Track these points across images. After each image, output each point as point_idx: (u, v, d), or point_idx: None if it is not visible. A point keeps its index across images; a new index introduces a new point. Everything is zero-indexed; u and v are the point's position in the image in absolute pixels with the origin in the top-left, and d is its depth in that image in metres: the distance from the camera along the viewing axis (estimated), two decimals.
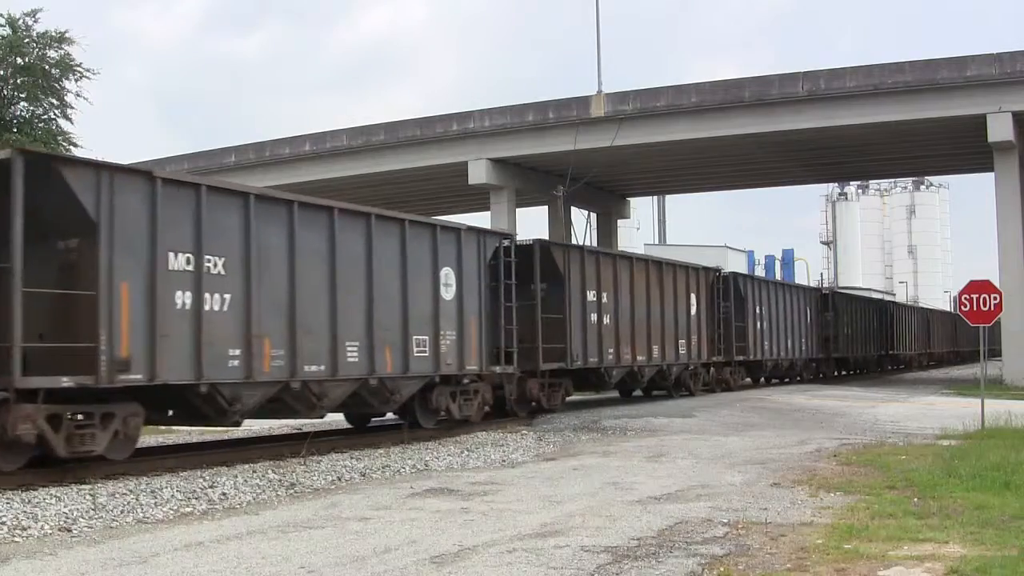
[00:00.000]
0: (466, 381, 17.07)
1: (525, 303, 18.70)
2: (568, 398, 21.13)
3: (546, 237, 31.00)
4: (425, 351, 15.68)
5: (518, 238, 19.31)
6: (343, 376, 13.96)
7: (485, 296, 17.32)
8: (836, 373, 41.26)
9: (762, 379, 32.70)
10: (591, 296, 20.86)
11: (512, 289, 17.94)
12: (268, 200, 13.22)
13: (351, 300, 14.12)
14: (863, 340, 44.08)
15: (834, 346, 38.90)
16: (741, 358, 28.96)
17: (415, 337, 15.43)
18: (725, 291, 28.32)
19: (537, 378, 19.07)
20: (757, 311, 30.34)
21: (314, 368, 13.45)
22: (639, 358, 22.64)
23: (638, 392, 26.05)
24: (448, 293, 16.31)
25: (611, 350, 21.44)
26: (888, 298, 76.09)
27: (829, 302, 39.23)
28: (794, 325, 33.89)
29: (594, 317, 20.89)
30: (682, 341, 24.83)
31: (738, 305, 28.86)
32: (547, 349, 19.25)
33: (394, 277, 15.09)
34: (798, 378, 34.87)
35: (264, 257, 12.80)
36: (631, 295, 22.43)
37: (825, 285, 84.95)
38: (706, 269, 27.49)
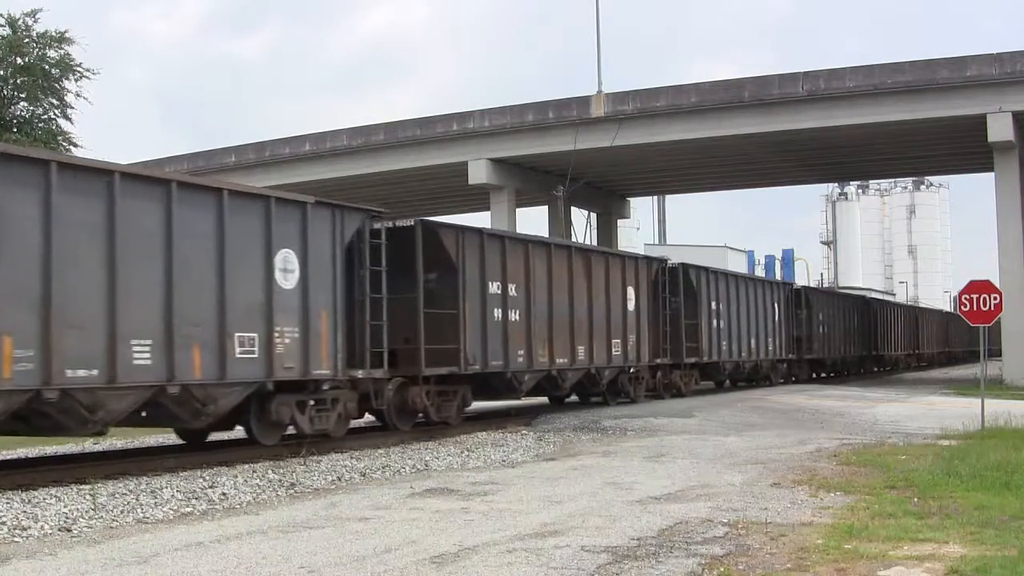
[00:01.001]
0: (326, 388, 14.14)
1: (406, 295, 15.85)
2: (473, 407, 18.70)
3: (546, 235, 30.26)
4: (253, 351, 12.82)
5: (401, 220, 16.69)
6: (126, 383, 11.25)
7: (342, 285, 14.33)
8: (811, 376, 38.05)
9: (726, 383, 30.31)
10: (494, 288, 17.69)
11: (381, 278, 15.01)
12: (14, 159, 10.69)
13: (140, 286, 11.50)
14: (841, 340, 40.79)
15: (807, 346, 35.79)
16: (693, 360, 25.90)
17: (238, 335, 12.59)
18: (673, 285, 25.15)
19: (420, 385, 16.06)
20: (713, 307, 27.19)
21: (82, 373, 10.83)
22: (559, 360, 19.50)
23: (574, 398, 23.16)
24: (288, 281, 13.38)
25: (521, 351, 18.35)
26: (884, 296, 76.29)
27: (802, 298, 36.14)
28: (759, 323, 30.67)
29: (498, 313, 17.75)
30: (616, 341, 21.71)
31: (690, 301, 25.85)
32: (434, 350, 16.24)
33: (207, 260, 12.33)
34: (766, 381, 31.74)
35: (5, 231, 10.31)
36: (549, 288, 19.27)
37: (825, 284, 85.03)
38: (648, 259, 24.89)
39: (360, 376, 14.71)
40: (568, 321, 20.02)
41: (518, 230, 33.50)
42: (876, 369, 48.32)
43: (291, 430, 14.18)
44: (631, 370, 22.88)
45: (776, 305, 32.37)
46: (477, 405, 19.53)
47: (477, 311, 17.31)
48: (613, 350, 21.73)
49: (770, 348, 31.61)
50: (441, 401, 16.92)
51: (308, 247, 13.75)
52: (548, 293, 19.33)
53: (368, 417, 16.69)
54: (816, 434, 17.26)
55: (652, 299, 23.92)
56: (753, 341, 30.06)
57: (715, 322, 27.29)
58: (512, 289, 18.26)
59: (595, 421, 18.65)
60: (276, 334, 13.13)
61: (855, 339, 43.19)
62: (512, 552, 7.48)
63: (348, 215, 14.65)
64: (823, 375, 40.08)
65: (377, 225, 15.37)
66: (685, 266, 26.31)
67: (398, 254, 15.75)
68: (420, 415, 16.59)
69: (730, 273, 30.11)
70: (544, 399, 22.62)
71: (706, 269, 27.56)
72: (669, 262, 25.69)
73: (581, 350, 20.42)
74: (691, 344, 25.75)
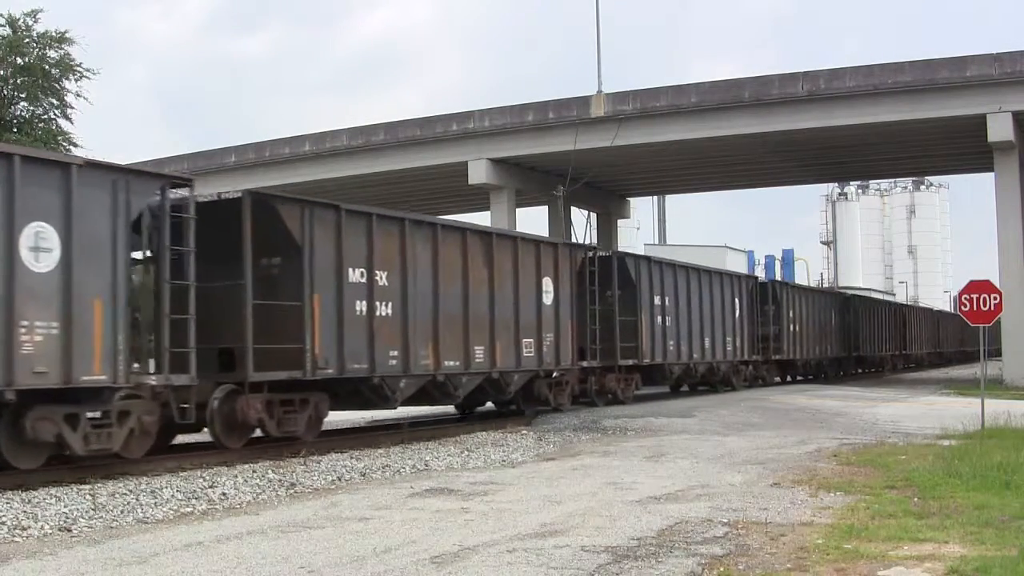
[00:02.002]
0: (118, 397, 11.58)
1: (231, 283, 13.24)
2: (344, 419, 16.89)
3: (547, 235, 29.97)
4: None
5: (229, 192, 13.97)
6: None
7: (121, 268, 11.58)
8: (784, 378, 34.93)
9: (684, 386, 28.39)
10: (356, 276, 14.75)
11: (187, 261, 12.34)
12: None
13: None
14: (817, 339, 37.23)
15: (775, 346, 32.52)
16: (631, 362, 22.82)
17: None
18: (605, 276, 22.02)
19: (248, 394, 13.16)
20: (657, 302, 24.16)
21: None
22: (448, 363, 16.63)
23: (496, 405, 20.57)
24: (41, 262, 10.78)
25: (394, 352, 15.40)
26: (884, 295, 76.08)
27: (769, 293, 32.75)
28: (716, 321, 27.54)
29: (361, 306, 14.83)
30: (528, 340, 18.74)
31: (629, 294, 22.98)
32: (269, 351, 13.35)
33: None
34: (726, 386, 29.01)
35: None
36: (434, 277, 16.35)
37: (825, 284, 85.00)
38: (572, 246, 21.58)
39: (154, 383, 11.86)
40: (461, 317, 16.97)
41: (518, 230, 33.40)
42: (858, 371, 45.21)
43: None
44: (553, 374, 19.95)
45: (738, 301, 29.13)
46: (346, 417, 18.48)
47: (331, 303, 14.27)
48: (524, 351, 18.60)
49: (729, 348, 28.40)
50: (285, 413, 13.81)
51: (73, 220, 10.97)
52: (433, 283, 16.28)
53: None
54: (816, 434, 17.26)
55: (577, 292, 20.55)
56: (708, 341, 26.94)
57: (659, 319, 24.24)
58: (382, 277, 15.19)
59: (595, 421, 18.65)
60: (22, 329, 10.51)
61: (832, 339, 39.71)
62: (512, 552, 7.48)
63: (136, 182, 11.84)
64: (798, 377, 36.83)
65: (180, 194, 12.45)
66: (621, 255, 23.85)
67: (224, 233, 13.06)
68: (257, 427, 13.65)
69: (680, 264, 26.65)
70: (448, 408, 20.05)
71: (647, 259, 24.73)
72: (599, 251, 22.82)
73: (479, 351, 17.36)
74: (629, 344, 22.66)
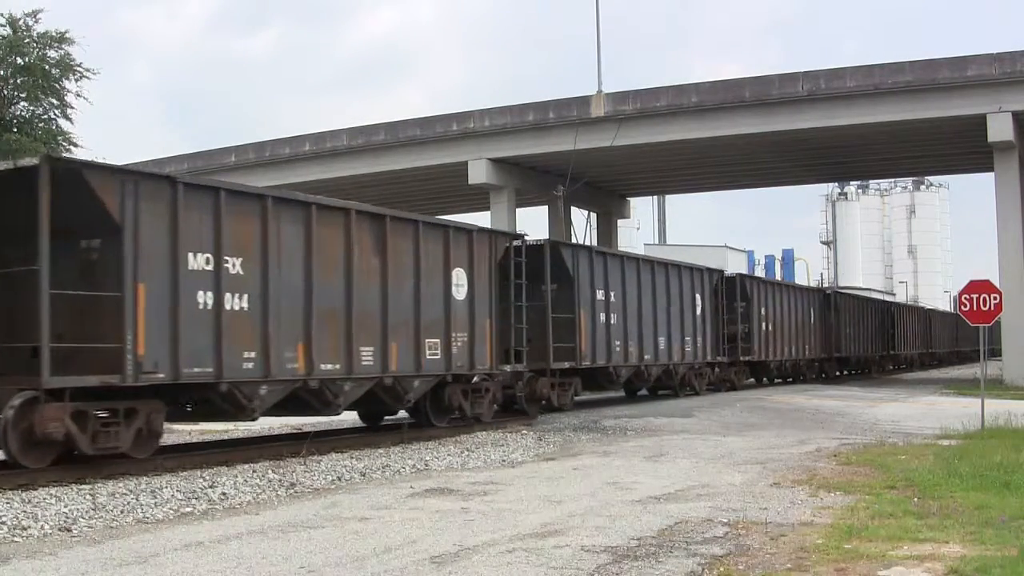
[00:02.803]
0: None
1: (26, 269, 11.11)
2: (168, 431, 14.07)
3: (547, 236, 29.19)
4: None
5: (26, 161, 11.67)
6: None
7: None
8: (754, 380, 32.37)
9: (643, 390, 25.69)
10: (199, 263, 12.22)
11: None
12: None
13: None
14: (793, 339, 34.15)
15: (745, 346, 29.71)
16: (568, 364, 20.08)
17: None
18: (535, 269, 19.42)
19: (50, 403, 10.76)
20: (600, 298, 21.44)
21: None
22: (324, 366, 13.89)
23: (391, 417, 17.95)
24: None
25: (250, 354, 12.85)
26: (886, 293, 75.87)
27: (738, 289, 29.84)
28: (673, 319, 24.61)
29: (205, 298, 12.34)
30: (433, 341, 15.93)
31: (566, 290, 20.44)
32: (75, 352, 11.23)
33: None
34: (688, 389, 26.16)
35: None
36: (307, 266, 13.70)
37: (825, 284, 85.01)
38: (492, 233, 18.17)
39: None
40: (344, 313, 14.22)
41: (518, 230, 33.43)
42: (841, 373, 41.93)
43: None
44: (472, 380, 17.37)
45: (699, 297, 26.34)
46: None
47: (163, 294, 11.88)
48: (426, 353, 15.79)
49: (688, 349, 25.42)
50: (102, 426, 11.30)
51: None
52: (306, 273, 13.70)
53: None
54: (816, 434, 17.27)
55: (499, 287, 17.75)
56: (663, 341, 24.01)
57: (602, 316, 21.40)
58: (234, 265, 12.72)
59: (595, 421, 18.66)
60: None
61: (812, 338, 36.57)
62: (512, 552, 7.48)
63: None
64: (776, 380, 33.63)
65: None
66: (556, 244, 20.91)
67: (19, 211, 11.22)
68: (65, 445, 11.16)
69: (628, 256, 24.42)
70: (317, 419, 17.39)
71: (588, 249, 22.31)
72: (527, 239, 19.39)
73: (367, 353, 14.60)
74: (565, 344, 19.96)
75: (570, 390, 20.61)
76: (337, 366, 14.18)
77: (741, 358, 29.56)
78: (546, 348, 19.56)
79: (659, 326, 24.00)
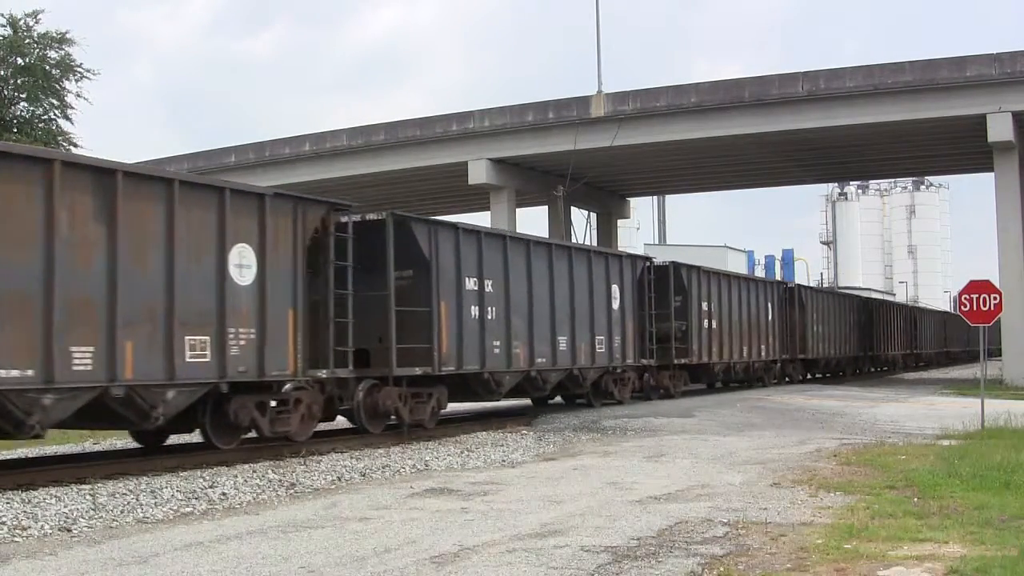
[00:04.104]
0: None
1: None
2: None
3: (547, 236, 30.34)
4: None
5: None
6: None
7: None
8: (712, 386, 29.20)
9: (547, 400, 22.33)
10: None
11: None
12: None
13: None
14: (745, 338, 29.45)
15: (680, 347, 25.28)
16: (420, 370, 16.05)
17: None
18: (374, 250, 15.63)
19: None
20: (472, 287, 17.23)
21: None
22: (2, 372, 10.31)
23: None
24: None
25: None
26: (886, 293, 75.50)
27: (671, 280, 25.27)
28: (580, 313, 20.36)
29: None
30: (196, 338, 12.27)
31: (423, 278, 16.41)
32: None
33: None
34: (607, 397, 22.14)
35: None
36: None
37: (825, 284, 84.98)
38: (300, 202, 14.02)
39: None
40: (40, 298, 10.67)
41: (518, 230, 33.38)
42: (806, 377, 37.42)
43: None
44: (278, 388, 13.77)
45: (617, 289, 22.13)
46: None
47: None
48: (186, 354, 12.07)
49: (602, 351, 21.32)
50: None
51: None
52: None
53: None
54: (816, 434, 17.27)
55: (311, 272, 14.19)
56: (564, 341, 19.88)
57: (474, 311, 17.28)
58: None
59: (595, 421, 18.66)
60: None
61: (770, 337, 31.76)
62: (512, 552, 7.48)
63: None
64: (731, 384, 30.42)
65: None
66: (404, 220, 16.20)
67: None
68: None
69: (513, 236, 19.58)
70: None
71: (453, 227, 17.35)
72: (369, 215, 16.20)
73: (82, 354, 11.02)
74: (421, 345, 16.05)
75: (430, 402, 16.53)
76: (28, 372, 10.52)
77: (676, 361, 25.04)
78: (386, 351, 15.56)
79: (558, 323, 19.62)
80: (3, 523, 8.64)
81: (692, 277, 26.45)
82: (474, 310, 17.28)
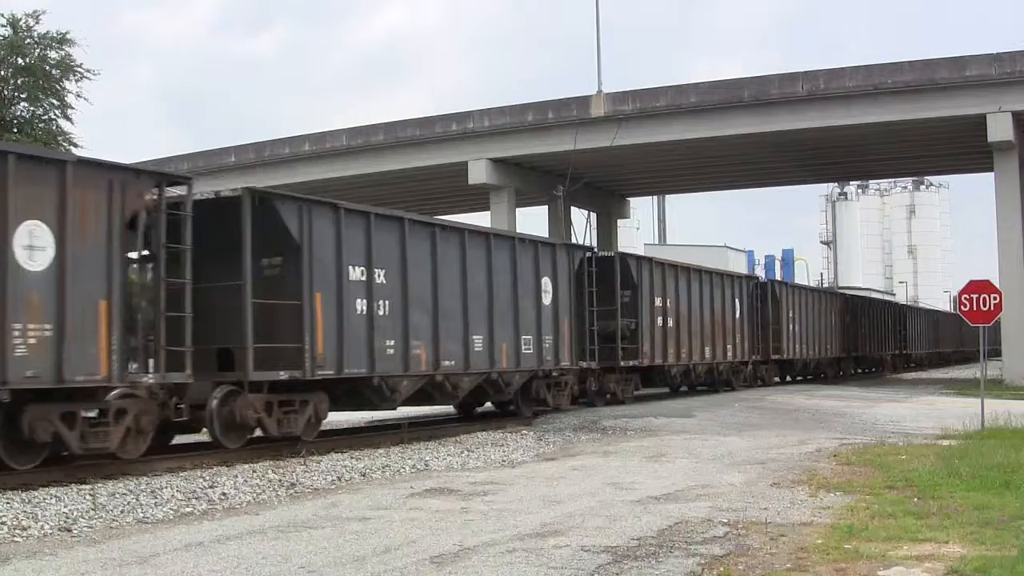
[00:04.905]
0: None
1: None
2: None
3: (546, 236, 30.39)
4: None
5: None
6: None
7: None
8: (669, 389, 27.07)
9: (478, 408, 20.14)
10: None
11: None
12: None
13: None
14: (709, 338, 27.03)
15: (629, 348, 22.87)
16: (286, 374, 13.66)
17: None
18: (274, 233, 13.64)
19: None
20: (339, 274, 14.50)
21: None
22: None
23: None
24: None
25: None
26: (886, 293, 75.12)
27: (617, 273, 22.68)
28: (492, 308, 17.74)
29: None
30: (20, 329, 10.62)
31: (292, 267, 14.00)
32: None
33: None
34: (542, 405, 19.79)
35: None
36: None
37: (825, 284, 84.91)
38: (116, 171, 11.87)
39: None
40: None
41: (518, 230, 33.31)
42: (785, 379, 34.75)
43: None
44: (111, 394, 11.87)
45: (549, 282, 19.50)
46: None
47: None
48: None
49: (529, 352, 18.79)
50: None
51: None
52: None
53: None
54: (816, 434, 17.27)
55: (148, 258, 12.42)
56: (479, 340, 17.40)
57: (361, 305, 14.89)
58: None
59: (595, 421, 18.65)
60: None
61: (738, 336, 29.12)
62: (512, 552, 7.48)
63: None
64: (681, 388, 27.84)
65: None
66: (267, 197, 13.78)
67: None
68: None
69: (413, 219, 16.42)
70: None
71: (332, 206, 14.69)
72: (223, 192, 14.01)
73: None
74: (289, 345, 13.74)
75: (305, 412, 14.16)
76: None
77: (622, 363, 22.62)
78: (245, 350, 13.20)
79: (472, 320, 17.19)
80: (3, 523, 8.64)
81: (643, 269, 23.95)
82: (360, 304, 14.80)
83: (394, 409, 16.67)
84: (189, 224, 12.47)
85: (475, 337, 17.23)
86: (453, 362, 16.74)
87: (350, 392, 15.21)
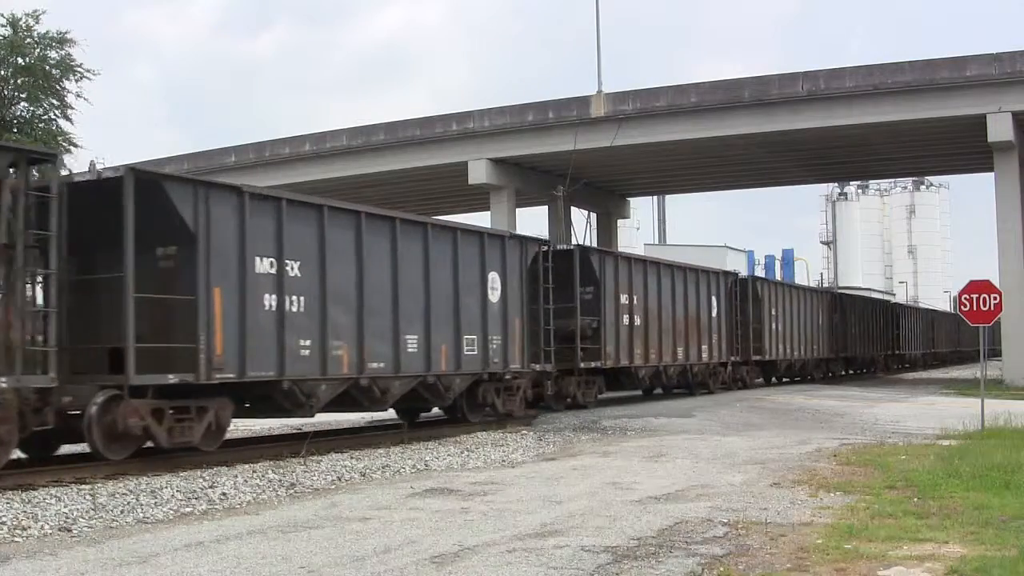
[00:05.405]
0: None
1: None
2: None
3: (547, 236, 29.00)
4: None
5: None
6: None
7: None
8: (652, 392, 26.20)
9: (414, 413, 18.53)
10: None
11: None
12: None
13: None
14: (681, 337, 25.27)
15: (591, 349, 21.19)
16: (176, 378, 12.17)
17: None
18: (165, 219, 12.22)
19: None
20: (241, 264, 12.96)
21: None
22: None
23: None
24: None
25: None
26: (886, 293, 74.81)
27: (577, 267, 21.05)
28: (429, 305, 16.16)
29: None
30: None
31: (186, 257, 12.49)
32: None
33: None
34: (493, 409, 18.39)
35: None
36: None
37: (825, 284, 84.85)
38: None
39: None
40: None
41: (518, 230, 33.21)
42: (770, 380, 33.28)
43: None
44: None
45: (495, 277, 17.95)
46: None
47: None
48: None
49: (472, 352, 17.22)
50: None
51: None
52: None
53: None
54: (816, 434, 17.27)
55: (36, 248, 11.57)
56: (413, 340, 15.87)
57: (270, 301, 13.37)
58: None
59: (595, 421, 18.65)
60: None
61: (714, 336, 27.34)
62: (512, 552, 7.48)
63: None
64: (655, 391, 26.55)
65: None
66: (155, 179, 12.35)
67: None
68: None
69: (334, 207, 14.74)
70: None
71: (237, 191, 13.17)
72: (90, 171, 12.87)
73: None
74: (181, 345, 12.30)
75: (203, 420, 12.62)
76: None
77: (582, 364, 20.83)
78: (127, 350, 11.77)
79: (405, 318, 15.60)
80: (3, 523, 8.64)
81: (606, 264, 22.18)
82: (268, 300, 13.29)
83: (311, 416, 15.00)
84: (56, 207, 11.19)
85: (408, 337, 15.67)
86: (381, 364, 15.12)
87: (260, 397, 13.71)
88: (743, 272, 42.15)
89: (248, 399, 13.69)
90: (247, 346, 12.83)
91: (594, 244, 45.79)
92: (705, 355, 26.70)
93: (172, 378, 12.08)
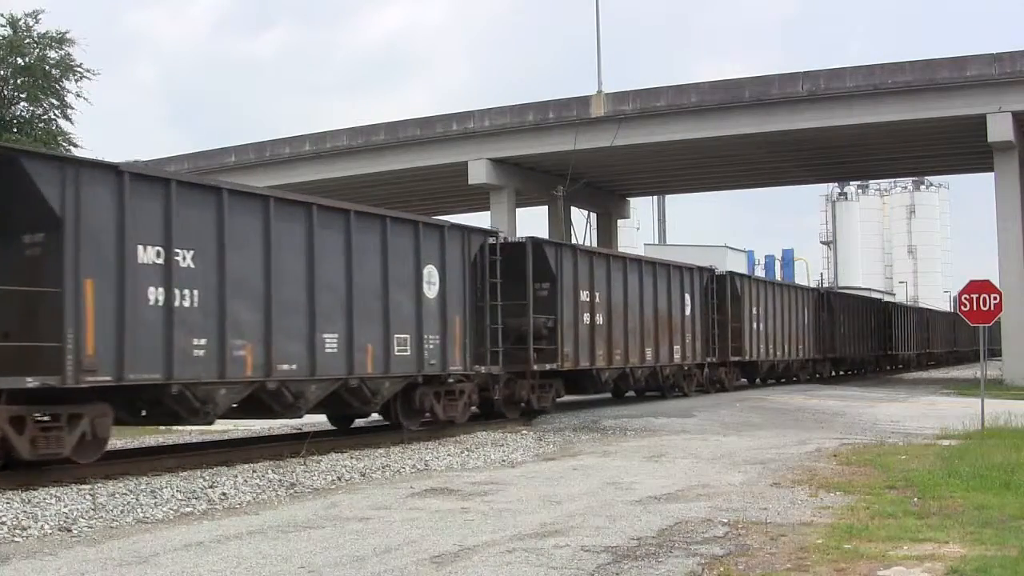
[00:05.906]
0: None
1: None
2: None
3: (546, 236, 28.71)
4: None
5: None
6: None
7: None
8: (620, 396, 24.86)
9: (348, 420, 17.25)
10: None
11: None
12: None
13: None
14: (650, 337, 23.43)
15: (546, 349, 19.47)
16: (35, 381, 10.56)
17: None
18: (28, 204, 11.12)
19: None
20: (140, 260, 11.67)
21: None
22: None
23: None
24: None
25: None
26: (886, 293, 74.56)
27: (529, 261, 19.17)
28: (374, 302, 15.01)
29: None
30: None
31: (52, 247, 11.23)
32: None
33: None
34: (433, 414, 16.71)
35: None
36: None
37: (825, 284, 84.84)
38: None
39: None
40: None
41: (518, 230, 33.28)
42: (755, 381, 31.45)
43: None
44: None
45: (433, 270, 16.27)
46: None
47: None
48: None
49: (404, 353, 15.56)
50: None
51: None
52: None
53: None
54: (816, 434, 17.27)
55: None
56: (331, 339, 14.18)
57: (155, 294, 11.76)
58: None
59: (595, 421, 18.65)
60: None
61: (688, 336, 25.49)
62: (512, 552, 7.48)
63: None
64: (627, 394, 25.28)
65: None
66: (11, 156, 10.96)
67: None
68: None
69: (235, 190, 13.04)
70: None
71: (116, 171, 11.56)
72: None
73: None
74: (44, 344, 10.79)
75: (76, 428, 11.07)
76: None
77: (536, 366, 19.07)
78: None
79: (322, 314, 13.93)
80: (3, 523, 8.64)
81: (564, 259, 20.20)
82: (154, 294, 11.72)
83: (210, 424, 13.42)
84: None
85: (326, 336, 13.98)
86: (293, 366, 13.43)
87: (149, 403, 12.24)
88: (743, 271, 42.15)
89: (140, 405, 12.29)
90: (126, 345, 11.28)
91: (594, 244, 45.78)
92: (677, 356, 24.81)
93: (31, 381, 10.52)
